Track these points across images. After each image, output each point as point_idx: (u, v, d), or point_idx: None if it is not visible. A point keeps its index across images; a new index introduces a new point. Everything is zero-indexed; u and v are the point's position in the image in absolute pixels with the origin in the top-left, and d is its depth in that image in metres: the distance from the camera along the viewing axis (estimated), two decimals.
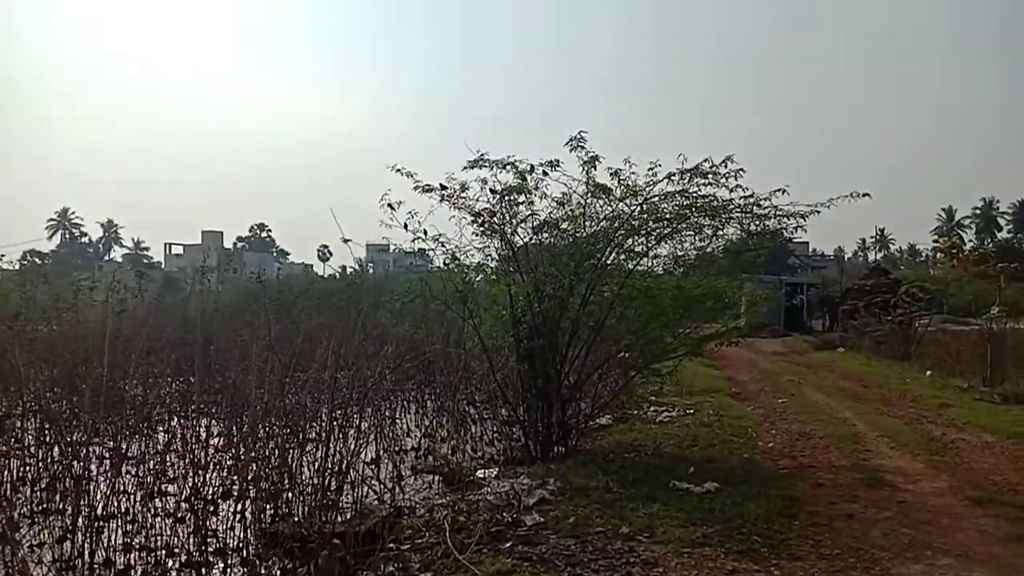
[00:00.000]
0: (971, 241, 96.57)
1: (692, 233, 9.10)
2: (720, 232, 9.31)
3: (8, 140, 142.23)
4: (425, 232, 8.87)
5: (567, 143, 8.45)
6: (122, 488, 6.95)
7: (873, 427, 10.64)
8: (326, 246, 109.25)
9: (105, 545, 6.15)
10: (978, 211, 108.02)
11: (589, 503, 6.76)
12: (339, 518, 6.97)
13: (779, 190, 8.55)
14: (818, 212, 8.49)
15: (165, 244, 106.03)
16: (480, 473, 8.68)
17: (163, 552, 6.23)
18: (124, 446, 7.70)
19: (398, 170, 8.46)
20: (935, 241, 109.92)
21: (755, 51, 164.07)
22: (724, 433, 10.17)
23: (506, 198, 8.69)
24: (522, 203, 8.79)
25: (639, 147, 8.62)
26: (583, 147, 8.46)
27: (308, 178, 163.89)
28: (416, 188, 8.57)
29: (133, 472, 7.57)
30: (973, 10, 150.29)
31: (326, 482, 7.00)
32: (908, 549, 5.56)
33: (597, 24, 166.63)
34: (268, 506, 6.87)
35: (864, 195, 8.68)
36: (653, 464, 8.37)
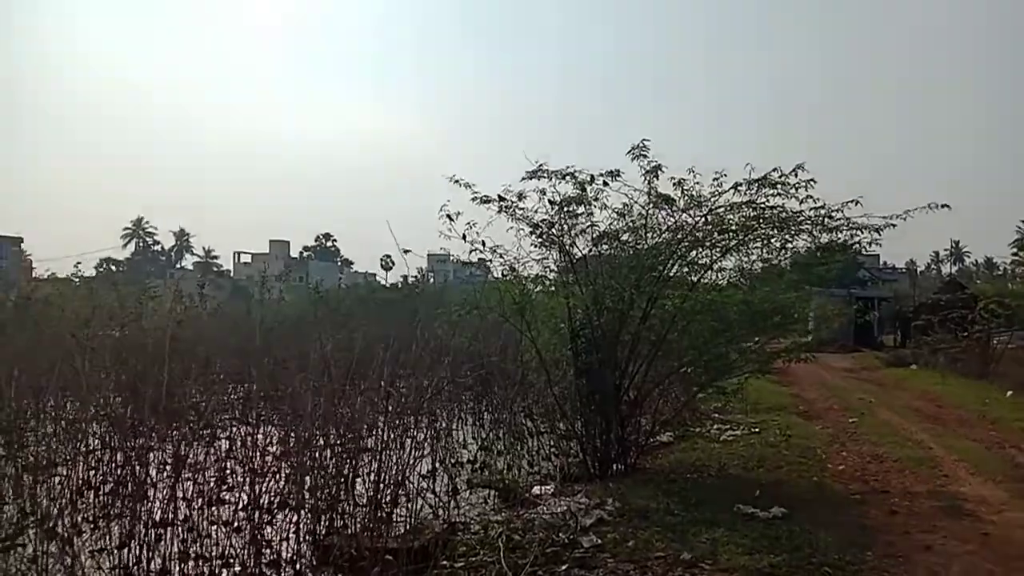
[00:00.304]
0: None
1: (760, 245, 8.77)
2: (789, 244, 8.98)
3: (87, 149, 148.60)
4: (483, 243, 8.80)
5: (629, 151, 8.25)
6: (182, 495, 7.00)
7: (950, 451, 10.08)
8: (388, 256, 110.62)
9: (162, 553, 6.18)
10: None
11: (649, 525, 6.52)
12: (393, 532, 6.91)
13: (852, 201, 8.19)
14: (894, 225, 8.09)
15: (234, 252, 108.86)
16: (536, 489, 8.51)
17: (218, 562, 6.22)
18: (185, 452, 7.78)
19: (456, 181, 8.40)
20: (1014, 253, 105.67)
21: (822, 55, 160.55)
22: (792, 454, 9.75)
23: (565, 209, 8.53)
24: (581, 214, 8.62)
25: (696, 159, 8.26)
26: (645, 156, 8.25)
27: (374, 188, 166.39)
28: (474, 199, 8.48)
29: (193, 479, 7.63)
30: None
31: (381, 495, 6.94)
32: None
33: (646, 29, 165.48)
34: (324, 517, 6.82)
35: (943, 206, 8.26)
36: (717, 486, 8.05)
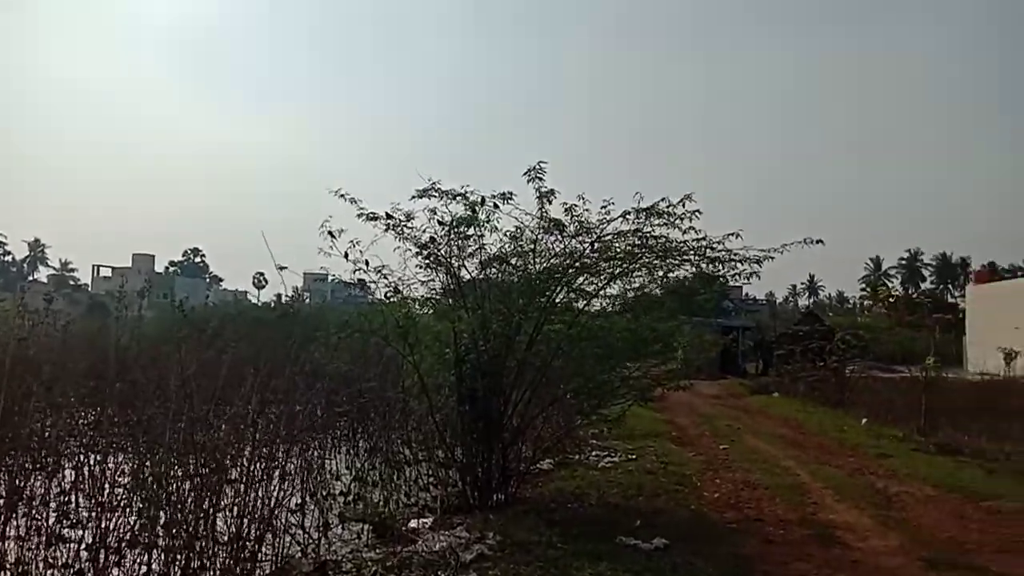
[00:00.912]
0: (896, 290, 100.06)
1: (645, 273, 8.84)
2: (672, 274, 9.11)
3: None
4: (367, 263, 8.43)
5: (525, 173, 8.12)
6: (14, 532, 6.25)
7: (816, 477, 10.47)
8: (262, 273, 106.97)
9: None
10: (904, 261, 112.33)
11: (531, 560, 6.30)
12: (258, 572, 6.40)
13: (733, 233, 8.38)
14: (772, 258, 8.33)
15: (93, 266, 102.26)
16: (413, 523, 8.15)
17: None
18: (22, 484, 6.98)
19: (341, 195, 8.02)
20: (863, 289, 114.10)
21: (693, 97, 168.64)
22: (669, 482, 9.85)
23: (455, 230, 8.30)
24: (471, 236, 8.41)
25: (581, 186, 8.26)
26: (541, 178, 8.14)
27: (246, 204, 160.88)
28: (360, 216, 8.12)
29: (29, 514, 6.82)
30: (902, 69, 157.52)
31: (245, 530, 6.42)
32: None
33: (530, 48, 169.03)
34: (180, 557, 6.21)
35: (817, 242, 8.57)
36: (598, 516, 7.97)
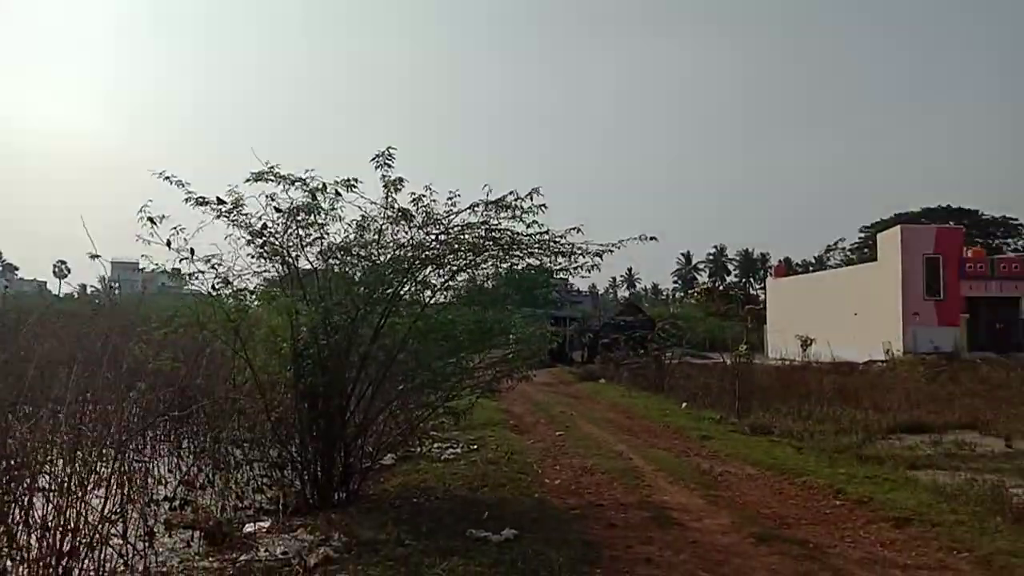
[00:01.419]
0: (705, 283, 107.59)
1: (490, 265, 8.84)
2: (516, 266, 9.18)
3: None
4: (192, 251, 7.81)
5: (373, 159, 7.83)
6: None
7: (648, 460, 10.97)
8: (63, 262, 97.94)
9: None
10: (711, 256, 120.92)
11: (380, 560, 6.11)
12: None
13: (574, 228, 8.55)
14: (611, 251, 8.57)
15: None
16: (249, 527, 7.67)
17: None
18: None
19: (166, 178, 7.38)
20: (675, 281, 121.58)
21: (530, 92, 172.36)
22: (512, 471, 9.95)
23: (295, 217, 7.88)
24: (312, 224, 8.01)
25: (428, 176, 8.10)
26: (390, 165, 7.88)
27: (45, 188, 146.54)
28: (188, 200, 7.51)
29: None
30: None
31: (58, 544, 5.77)
32: None
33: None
34: None
35: (652, 238, 8.92)
36: (445, 509, 7.88)
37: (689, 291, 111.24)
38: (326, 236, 8.23)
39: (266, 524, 7.75)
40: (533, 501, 8.42)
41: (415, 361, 8.85)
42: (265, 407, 8.71)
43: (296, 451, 8.76)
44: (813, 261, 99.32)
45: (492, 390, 9.33)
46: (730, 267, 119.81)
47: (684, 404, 19.17)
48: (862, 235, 79.45)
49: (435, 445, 11.97)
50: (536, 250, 8.58)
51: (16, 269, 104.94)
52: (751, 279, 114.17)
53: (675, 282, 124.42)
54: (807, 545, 6.70)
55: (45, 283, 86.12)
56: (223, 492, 9.29)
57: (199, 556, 6.91)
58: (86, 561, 5.97)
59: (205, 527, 7.67)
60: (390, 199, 8.04)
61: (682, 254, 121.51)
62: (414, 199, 8.07)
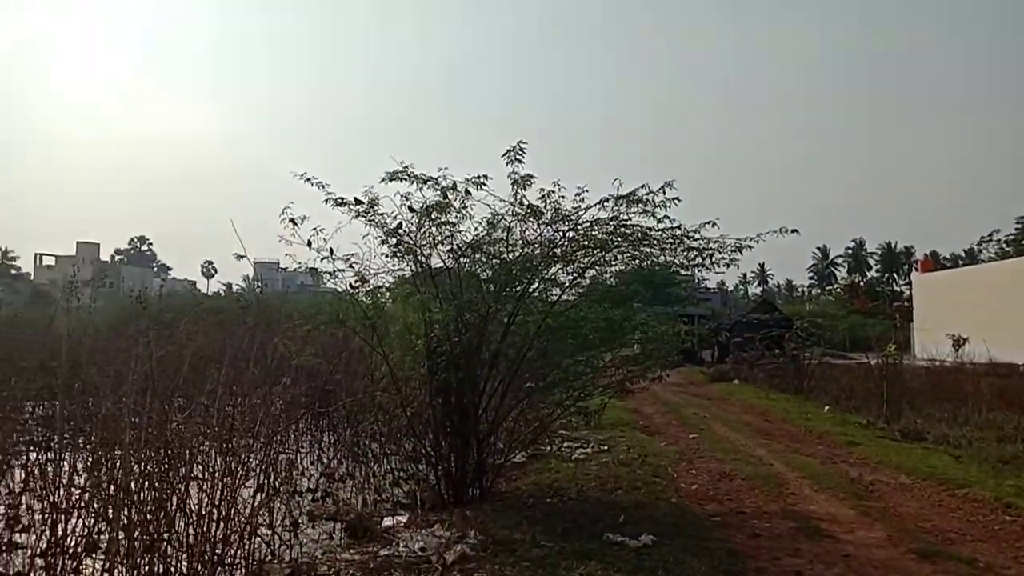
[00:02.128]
0: (844, 279, 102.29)
1: (621, 262, 8.61)
2: (645, 263, 8.90)
3: None
4: (331, 251, 8.04)
5: (504, 154, 7.77)
6: None
7: (790, 467, 10.41)
8: (211, 262, 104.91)
9: None
10: (850, 251, 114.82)
11: (517, 560, 6.05)
12: None
13: (709, 222, 8.19)
14: (750, 246, 8.17)
15: (35, 254, 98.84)
16: (388, 521, 7.82)
17: None
18: None
19: (307, 179, 7.61)
20: (811, 277, 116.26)
21: (647, 81, 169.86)
22: (645, 474, 9.68)
23: (429, 216, 7.95)
24: (444, 223, 8.07)
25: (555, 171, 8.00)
26: (520, 160, 7.80)
27: (194, 192, 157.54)
28: (327, 201, 7.73)
29: None
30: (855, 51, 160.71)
31: (211, 532, 6.03)
32: None
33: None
34: (142, 561, 5.80)
35: (793, 231, 8.44)
36: (579, 511, 7.74)
37: (827, 287, 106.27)
38: (457, 234, 8.26)
39: (403, 518, 7.87)
40: (670, 506, 8.13)
41: (544, 359, 8.76)
42: (400, 402, 8.87)
43: (430, 446, 8.87)
44: (963, 255, 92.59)
45: (624, 390, 9.07)
46: (871, 262, 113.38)
47: (827, 407, 18.18)
48: (1019, 226, 73.56)
49: (565, 444, 11.86)
50: (668, 245, 8.28)
51: (169, 269, 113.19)
52: (894, 275, 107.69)
53: (811, 278, 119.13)
54: (977, 564, 6.12)
55: (195, 282, 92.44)
56: (362, 485, 9.56)
57: (341, 548, 7.10)
58: (237, 549, 6.22)
59: (346, 519, 7.90)
60: (519, 196, 7.95)
61: (818, 249, 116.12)
62: (542, 195, 7.96)
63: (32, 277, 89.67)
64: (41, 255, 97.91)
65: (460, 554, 6.23)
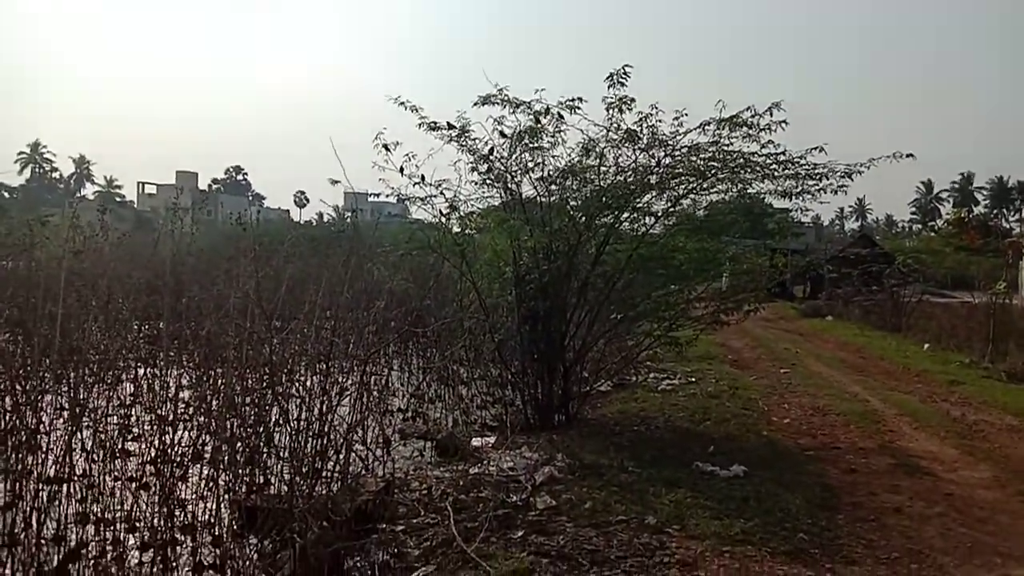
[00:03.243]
0: (950, 213, 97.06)
1: (722, 190, 8.30)
2: (745, 192, 8.54)
3: None
4: (423, 177, 8.03)
5: (607, 78, 7.48)
6: (79, 446, 6.17)
7: (887, 403, 10.07)
8: (303, 192, 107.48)
9: (57, 515, 5.37)
10: (956, 185, 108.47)
11: (604, 484, 6.08)
12: (323, 490, 6.26)
13: (816, 148, 7.77)
14: (860, 172, 7.73)
15: (138, 183, 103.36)
16: (476, 442, 7.98)
17: (123, 526, 5.46)
18: (84, 396, 6.90)
19: (401, 104, 7.57)
20: (913, 214, 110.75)
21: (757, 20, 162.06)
22: (735, 406, 9.53)
23: (520, 141, 7.82)
24: (535, 148, 7.92)
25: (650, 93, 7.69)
26: (624, 83, 7.50)
27: (288, 124, 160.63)
28: (420, 125, 7.69)
29: (93, 427, 6.76)
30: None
31: (308, 445, 6.26)
32: (973, 554, 4.95)
33: None
34: (244, 472, 6.08)
35: (908, 155, 7.96)
36: (667, 440, 7.71)
37: (930, 223, 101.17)
38: (549, 161, 8.11)
39: (492, 440, 8.02)
40: (761, 439, 8.00)
41: (634, 289, 8.63)
42: (488, 328, 8.93)
43: (517, 372, 8.94)
44: None
45: (717, 323, 8.87)
46: (979, 197, 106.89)
47: (926, 345, 17.46)
48: None
49: (651, 375, 11.78)
50: (772, 171, 7.91)
51: (264, 199, 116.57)
52: (1004, 210, 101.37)
53: (912, 213, 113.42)
54: None
55: (288, 211, 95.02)
56: (451, 407, 9.77)
57: (431, 465, 7.30)
58: (334, 463, 6.44)
59: (436, 438, 8.10)
60: (615, 121, 7.69)
61: (921, 183, 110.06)
62: (640, 119, 7.67)
63: (135, 205, 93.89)
64: (143, 183, 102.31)
65: (548, 475, 6.31)
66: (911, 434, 8.34)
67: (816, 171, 7.70)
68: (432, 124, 7.72)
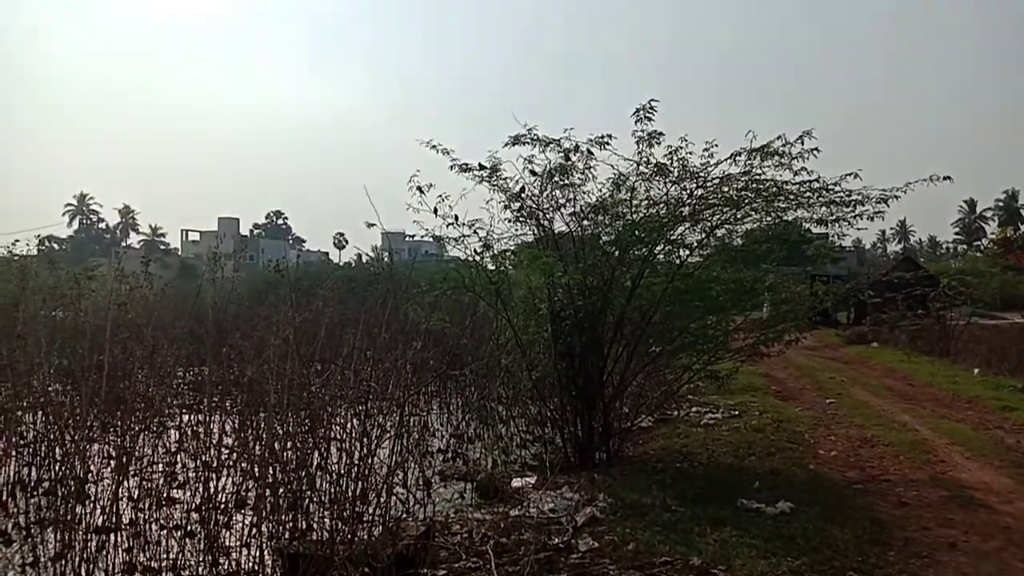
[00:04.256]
0: (995, 233, 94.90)
1: (753, 220, 8.25)
2: (779, 220, 8.48)
3: (22, 125, 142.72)
4: (456, 217, 8.11)
5: (634, 113, 7.55)
6: (127, 494, 6.27)
7: (938, 432, 9.78)
8: (342, 234, 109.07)
9: (105, 564, 5.45)
10: (1000, 203, 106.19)
11: (647, 524, 5.98)
12: (364, 535, 6.27)
13: (851, 174, 7.70)
14: (897, 198, 7.64)
15: (182, 230, 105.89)
16: (517, 482, 7.92)
17: (170, 574, 5.51)
18: (131, 444, 7.03)
19: (433, 147, 7.69)
20: (957, 233, 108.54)
21: (785, 41, 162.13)
22: (780, 439, 9.34)
23: (553, 179, 7.88)
24: (567, 185, 7.97)
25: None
26: (651, 118, 7.56)
27: (323, 167, 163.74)
28: (452, 167, 7.80)
29: (139, 475, 6.88)
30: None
31: (349, 489, 6.28)
32: None
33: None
34: (287, 517, 6.12)
35: (946, 178, 7.84)
36: (710, 476, 7.57)
37: (975, 243, 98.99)
38: (580, 197, 8.14)
39: (532, 480, 7.95)
40: (807, 473, 7.82)
41: (671, 322, 8.57)
42: (526, 366, 8.91)
43: (555, 409, 8.90)
44: None
45: (757, 354, 8.75)
46: None
47: (976, 370, 16.98)
48: None
49: (693, 409, 11.62)
50: (806, 199, 7.84)
51: (304, 241, 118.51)
52: None
53: (956, 234, 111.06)
54: None
55: (327, 253, 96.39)
56: (491, 447, 9.73)
57: (472, 507, 7.25)
58: (375, 507, 6.44)
59: (476, 480, 8.06)
60: (644, 155, 7.72)
61: (964, 202, 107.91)
62: (669, 152, 7.70)
63: (180, 252, 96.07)
64: (187, 231, 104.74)
65: (590, 516, 6.23)
66: (963, 464, 8.08)
67: (851, 198, 7.61)
68: (464, 166, 7.83)
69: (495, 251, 8.82)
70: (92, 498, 6.05)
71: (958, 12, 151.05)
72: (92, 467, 6.57)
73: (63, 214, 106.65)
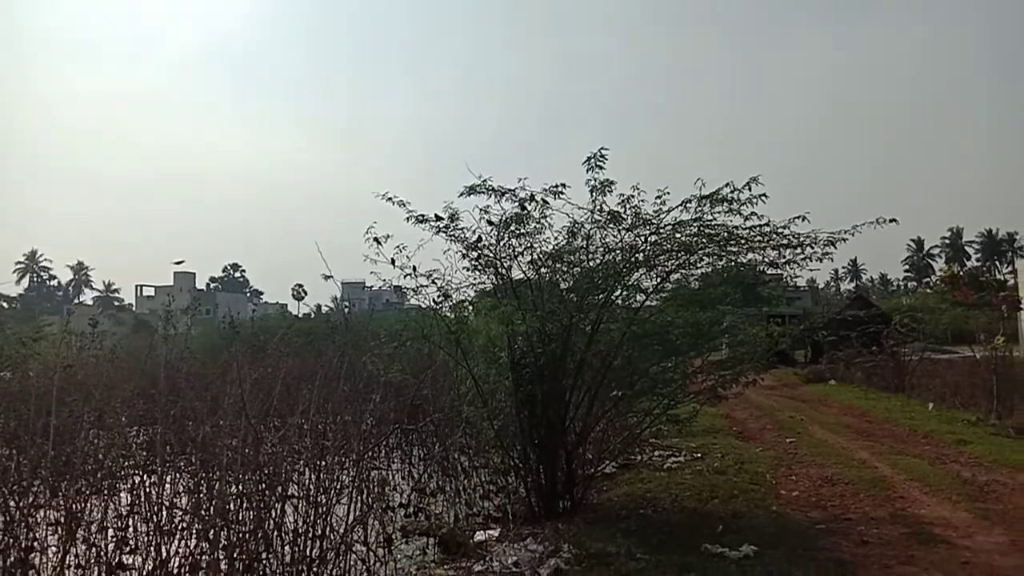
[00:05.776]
0: (943, 269, 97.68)
1: (707, 264, 8.38)
2: (733, 263, 8.62)
3: None
4: (414, 268, 8.10)
5: (585, 161, 7.68)
6: (75, 561, 6.02)
7: (897, 469, 9.91)
8: (300, 285, 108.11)
9: None
10: (947, 240, 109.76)
11: (612, 574, 5.92)
12: None
13: (799, 217, 7.88)
14: (844, 239, 7.82)
15: (136, 286, 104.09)
16: (480, 536, 7.78)
17: None
18: (79, 509, 6.77)
19: (390, 199, 7.70)
20: (906, 270, 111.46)
21: (731, 84, 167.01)
22: (742, 481, 9.37)
23: (508, 228, 7.93)
24: (523, 234, 8.03)
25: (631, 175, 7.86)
26: (601, 167, 7.69)
27: (282, 218, 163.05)
28: (408, 219, 7.80)
29: (88, 541, 6.61)
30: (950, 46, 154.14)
31: (308, 550, 6.12)
32: None
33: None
34: None
35: (891, 221, 8.05)
36: (675, 522, 7.54)
37: (924, 280, 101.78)
38: (537, 245, 8.20)
39: (495, 532, 7.82)
40: (770, 514, 7.83)
41: (631, 367, 8.60)
42: (487, 415, 8.84)
43: (518, 458, 8.81)
44: None
45: (716, 396, 8.81)
46: (969, 251, 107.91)
47: (931, 405, 17.31)
48: None
49: (656, 453, 11.62)
50: (756, 243, 8.00)
51: (261, 294, 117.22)
52: (996, 263, 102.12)
53: (906, 271, 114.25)
54: None
55: (285, 305, 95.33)
56: (453, 499, 9.56)
57: (435, 563, 7.09)
58: (333, 567, 6.28)
59: (439, 535, 7.90)
60: (598, 203, 7.84)
61: (912, 240, 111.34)
62: (622, 200, 7.82)
63: (134, 307, 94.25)
64: (141, 286, 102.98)
65: (554, 568, 6.14)
66: (922, 500, 8.18)
67: (799, 241, 7.78)
68: (420, 217, 7.84)
69: (454, 300, 8.81)
70: (36, 568, 5.79)
71: (894, 53, 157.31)
72: (37, 535, 6.30)
73: (13, 272, 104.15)
